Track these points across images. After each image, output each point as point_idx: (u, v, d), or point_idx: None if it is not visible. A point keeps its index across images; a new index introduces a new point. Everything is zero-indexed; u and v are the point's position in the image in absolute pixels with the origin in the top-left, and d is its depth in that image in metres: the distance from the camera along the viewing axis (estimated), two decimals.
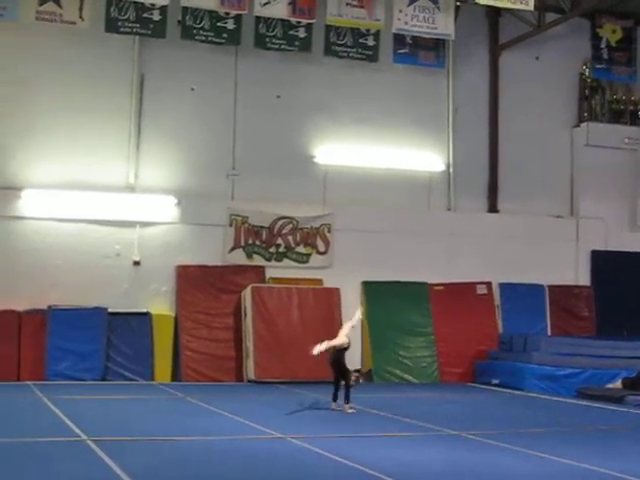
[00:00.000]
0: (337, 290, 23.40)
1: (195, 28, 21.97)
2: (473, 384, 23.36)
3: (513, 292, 25.21)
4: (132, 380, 21.69)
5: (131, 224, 22.77)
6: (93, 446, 12.14)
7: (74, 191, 22.24)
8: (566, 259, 25.66)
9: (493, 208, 25.75)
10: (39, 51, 22.28)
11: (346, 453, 11.91)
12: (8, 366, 21.24)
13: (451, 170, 25.30)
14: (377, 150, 24.51)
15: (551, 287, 25.54)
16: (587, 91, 26.81)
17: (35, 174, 22.11)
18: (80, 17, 21.06)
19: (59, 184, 22.14)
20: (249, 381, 22.21)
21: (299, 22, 22.28)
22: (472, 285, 24.83)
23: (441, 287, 24.60)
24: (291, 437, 13.41)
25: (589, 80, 26.64)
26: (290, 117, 24.01)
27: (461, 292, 24.62)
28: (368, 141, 24.45)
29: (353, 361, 22.96)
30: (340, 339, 17.35)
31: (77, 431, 13.50)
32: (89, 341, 21.64)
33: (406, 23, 22.05)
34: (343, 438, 13.73)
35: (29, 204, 22.06)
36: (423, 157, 25.01)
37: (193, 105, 23.42)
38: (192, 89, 23.41)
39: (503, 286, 25.23)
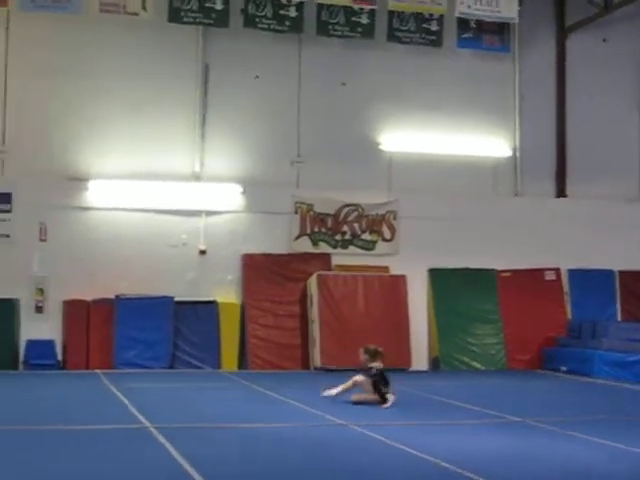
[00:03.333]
0: (403, 277, 23.28)
1: (258, 16, 22.03)
2: (541, 371, 23.12)
3: (582, 278, 24.84)
4: (199, 368, 21.84)
5: (197, 213, 22.90)
6: (156, 433, 12.24)
7: (140, 181, 22.42)
8: (636, 244, 25.18)
9: (561, 193, 25.40)
10: (103, 43, 22.44)
11: (409, 441, 11.85)
12: (78, 355, 21.54)
13: (518, 155, 24.99)
14: (442, 136, 24.29)
15: (621, 272, 25.13)
16: None
17: (102, 165, 22.31)
18: (143, 8, 21.25)
19: (125, 174, 22.33)
20: (315, 369, 22.23)
21: (361, 8, 22.23)
22: (540, 271, 24.54)
23: (508, 273, 24.35)
24: (354, 425, 13.38)
25: None
26: (355, 104, 23.89)
27: (529, 278, 24.34)
28: (433, 127, 24.25)
29: (421, 349, 23.01)
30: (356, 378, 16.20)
31: (141, 419, 13.63)
32: (156, 330, 21.82)
33: (469, 7, 21.89)
34: (407, 426, 13.67)
35: (96, 195, 22.29)
36: (489, 142, 24.76)
37: (257, 93, 23.40)
38: (256, 77, 23.40)
39: (572, 272, 24.87)
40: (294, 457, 11.01)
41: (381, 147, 24.02)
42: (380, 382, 15.91)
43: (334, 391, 16.01)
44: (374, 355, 16.19)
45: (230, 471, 9.98)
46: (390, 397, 15.75)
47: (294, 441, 12.13)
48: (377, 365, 16.08)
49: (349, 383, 16.12)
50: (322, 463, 10.66)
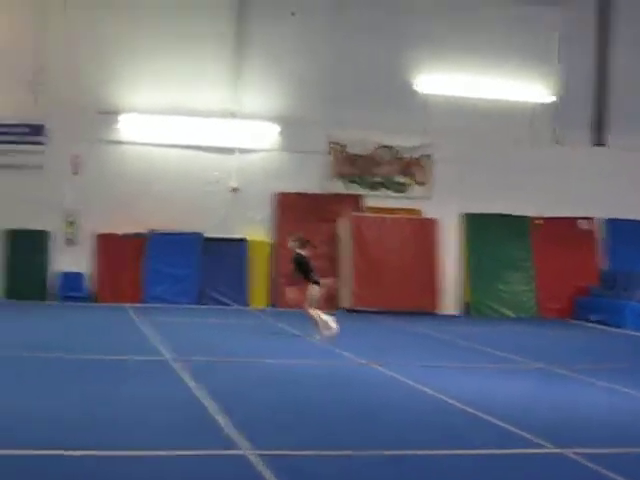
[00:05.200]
0: (435, 221, 23.15)
1: None
2: (571, 320, 22.96)
3: (618, 228, 24.55)
4: (227, 305, 21.89)
5: (231, 150, 22.83)
6: (177, 365, 12.28)
7: (174, 116, 22.35)
8: None
9: (599, 142, 25.00)
10: None
11: (430, 382, 11.79)
12: (108, 288, 21.67)
13: (557, 102, 24.58)
14: (480, 80, 23.93)
15: None
16: None
17: (136, 99, 22.27)
18: None
19: (160, 109, 22.27)
20: (344, 309, 22.20)
21: None
22: (574, 220, 24.28)
23: (541, 221, 24.12)
24: (376, 364, 13.35)
25: None
26: (392, 45, 23.57)
27: (563, 226, 24.10)
28: (471, 71, 23.88)
29: (452, 294, 22.92)
30: None
31: (164, 351, 13.68)
32: (186, 265, 21.89)
33: None
34: (429, 367, 13.62)
35: (130, 129, 22.28)
36: (528, 88, 24.37)
37: (295, 31, 23.15)
38: (292, 14, 23.12)
39: (608, 222, 24.60)
40: (311, 392, 10.99)
41: (417, 89, 23.72)
42: (303, 267, 16.34)
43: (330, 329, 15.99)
44: (303, 243, 16.71)
45: (249, 405, 9.97)
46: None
47: (313, 377, 12.16)
48: (304, 252, 16.54)
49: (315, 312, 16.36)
50: (338, 399, 10.63)
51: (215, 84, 22.76)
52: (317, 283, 16.36)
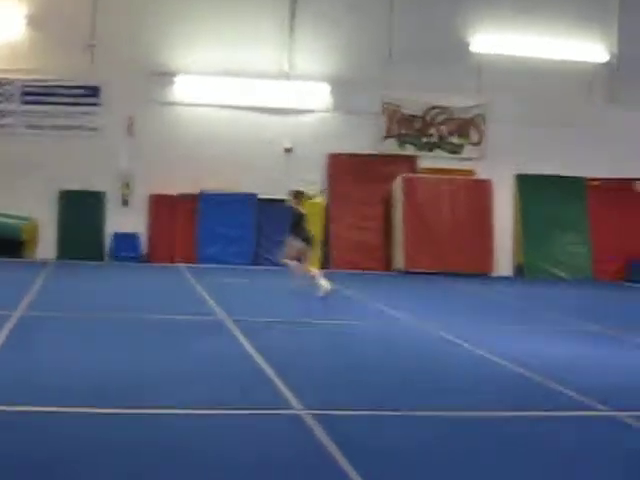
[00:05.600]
0: (489, 182, 23.02)
1: None
2: (627, 283, 22.75)
3: None
4: (280, 266, 21.91)
5: (284, 111, 22.83)
6: (231, 325, 12.36)
7: (228, 78, 22.38)
8: None
9: None
10: None
11: (480, 343, 11.78)
12: (162, 248, 21.84)
13: (615, 61, 24.22)
14: (536, 39, 23.65)
15: None
16: None
17: (190, 61, 22.34)
18: None
19: (214, 71, 22.33)
20: (397, 270, 22.19)
21: None
22: (630, 181, 23.99)
23: (597, 182, 23.85)
24: (429, 325, 13.35)
25: None
26: (447, 3, 23.35)
27: (619, 188, 23.87)
28: (527, 30, 23.61)
29: (505, 255, 22.81)
30: None
31: (218, 311, 13.77)
32: (239, 226, 21.97)
33: None
34: (481, 329, 13.58)
35: (184, 90, 22.37)
36: (585, 47, 24.03)
37: None
38: None
39: None
40: (367, 353, 11.01)
41: (472, 49, 23.52)
42: (294, 221, 16.60)
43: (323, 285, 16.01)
44: (295, 196, 16.88)
45: (303, 366, 10.01)
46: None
47: (369, 338, 12.15)
48: (298, 208, 16.74)
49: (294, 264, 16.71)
50: (392, 359, 10.65)
51: (268, 45, 22.73)
52: (306, 241, 16.56)
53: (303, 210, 16.80)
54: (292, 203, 16.88)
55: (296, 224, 16.64)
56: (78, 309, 13.36)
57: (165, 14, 22.20)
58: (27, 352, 10.00)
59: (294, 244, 16.61)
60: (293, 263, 16.73)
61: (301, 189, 17.28)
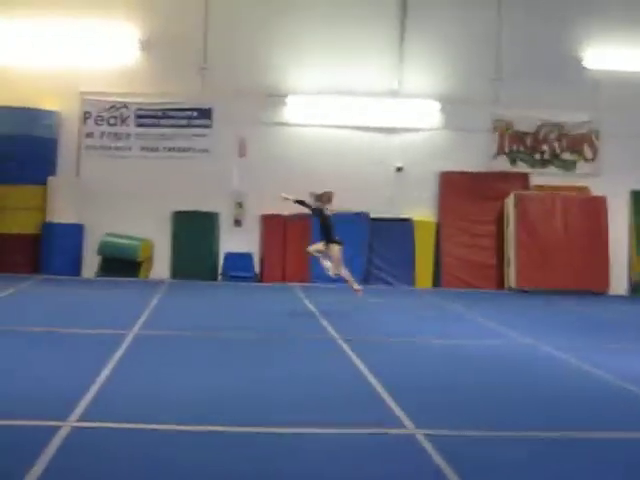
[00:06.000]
0: (604, 199, 22.59)
1: None
2: None
3: None
4: (392, 285, 21.93)
5: (394, 130, 22.83)
6: (343, 345, 12.40)
7: (338, 97, 22.48)
8: None
9: None
10: None
11: (597, 362, 11.58)
12: (274, 268, 22.01)
13: None
14: None
15: None
16: None
17: (300, 81, 22.50)
18: None
19: (323, 90, 22.46)
20: (509, 289, 21.97)
21: None
22: None
23: None
24: (542, 344, 13.18)
25: None
26: (557, 19, 23.04)
27: None
28: None
29: (621, 273, 22.39)
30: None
31: (330, 330, 13.82)
32: (351, 245, 21.79)
33: None
34: (598, 348, 13.34)
35: (294, 110, 22.54)
36: None
37: (458, 8, 22.87)
38: None
39: None
40: (479, 372, 10.92)
41: (584, 64, 23.12)
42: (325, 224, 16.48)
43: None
44: (318, 198, 16.72)
45: (415, 385, 9.99)
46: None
47: (480, 357, 12.05)
48: (322, 206, 16.57)
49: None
50: (507, 379, 10.55)
51: (378, 64, 22.77)
52: (338, 243, 16.36)
53: (329, 212, 16.62)
54: (319, 205, 16.63)
55: (331, 227, 16.44)
56: (191, 328, 13.56)
57: (275, 36, 22.43)
58: (142, 370, 10.18)
59: (335, 249, 16.35)
60: (346, 274, 16.63)
61: (321, 191, 16.96)
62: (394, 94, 22.81)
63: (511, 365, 11.52)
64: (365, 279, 21.92)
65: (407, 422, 8.13)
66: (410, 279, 22.21)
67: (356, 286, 16.62)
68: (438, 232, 22.67)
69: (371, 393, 9.39)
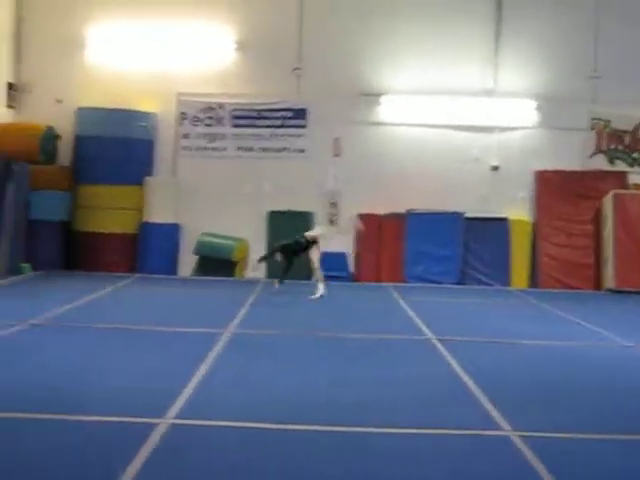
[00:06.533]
0: None
1: None
2: None
3: None
4: (488, 285, 21.76)
5: (489, 129, 22.63)
6: (438, 345, 12.39)
7: (432, 96, 22.38)
8: None
9: None
10: None
11: None
12: (369, 268, 22.00)
13: None
14: None
15: None
16: None
17: (394, 80, 22.43)
18: None
19: (417, 90, 22.35)
20: (607, 290, 21.62)
21: None
22: None
23: None
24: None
25: None
26: None
27: None
28: None
29: None
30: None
31: (425, 330, 13.81)
32: (446, 245, 21.88)
33: None
34: None
35: (388, 110, 22.49)
36: None
37: (552, 7, 22.60)
38: None
39: None
40: (576, 374, 10.80)
41: None
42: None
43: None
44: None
45: (510, 386, 9.93)
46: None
47: (577, 359, 11.92)
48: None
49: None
50: (606, 382, 10.41)
51: (473, 62, 22.58)
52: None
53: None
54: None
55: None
56: (286, 327, 13.66)
57: (369, 36, 22.42)
58: (237, 368, 10.28)
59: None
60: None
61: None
62: (489, 93, 22.61)
63: (611, 368, 11.36)
64: (460, 279, 21.80)
65: (503, 423, 8.08)
66: (506, 279, 21.99)
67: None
68: (534, 231, 22.40)
69: (466, 394, 9.35)
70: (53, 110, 22.14)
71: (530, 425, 8.04)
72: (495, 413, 8.45)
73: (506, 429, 7.90)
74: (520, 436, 7.63)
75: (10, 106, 22.23)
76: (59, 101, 22.24)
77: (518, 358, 11.86)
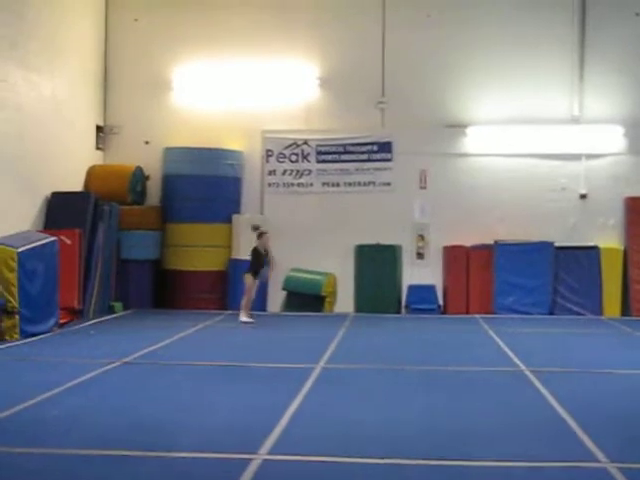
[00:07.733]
0: None
1: None
2: None
3: None
4: (579, 314, 21.45)
5: (576, 157, 22.41)
6: (530, 376, 12.24)
7: (517, 126, 22.28)
8: None
9: None
10: None
11: None
12: (457, 300, 21.87)
13: None
14: None
15: None
16: None
17: (479, 111, 22.40)
18: None
19: (502, 120, 22.28)
20: None
21: None
22: None
23: None
24: None
25: None
26: None
27: None
28: None
29: None
30: None
31: (518, 362, 13.65)
32: (536, 275, 21.66)
33: None
34: None
35: (474, 141, 22.44)
36: None
37: (636, 27, 22.34)
38: (637, 14, 22.35)
39: None
40: None
41: None
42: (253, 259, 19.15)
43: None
44: (258, 235, 19.53)
45: (606, 417, 9.76)
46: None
47: None
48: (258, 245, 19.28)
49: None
50: None
51: (557, 90, 22.43)
52: (255, 274, 19.10)
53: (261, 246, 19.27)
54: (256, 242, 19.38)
55: (254, 263, 19.17)
56: (376, 361, 13.62)
57: (451, 68, 22.44)
58: (329, 403, 10.29)
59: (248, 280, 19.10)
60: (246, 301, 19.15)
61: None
62: (575, 120, 22.41)
63: None
64: (551, 309, 21.54)
65: (600, 455, 7.94)
66: (598, 308, 21.66)
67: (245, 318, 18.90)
68: (625, 259, 22.06)
69: (561, 425, 9.22)
70: (141, 151, 22.58)
71: (628, 457, 7.90)
72: (591, 444, 8.31)
73: (603, 461, 7.77)
74: (618, 467, 7.49)
75: (99, 148, 22.70)
76: (147, 142, 22.64)
77: (613, 388, 11.66)
